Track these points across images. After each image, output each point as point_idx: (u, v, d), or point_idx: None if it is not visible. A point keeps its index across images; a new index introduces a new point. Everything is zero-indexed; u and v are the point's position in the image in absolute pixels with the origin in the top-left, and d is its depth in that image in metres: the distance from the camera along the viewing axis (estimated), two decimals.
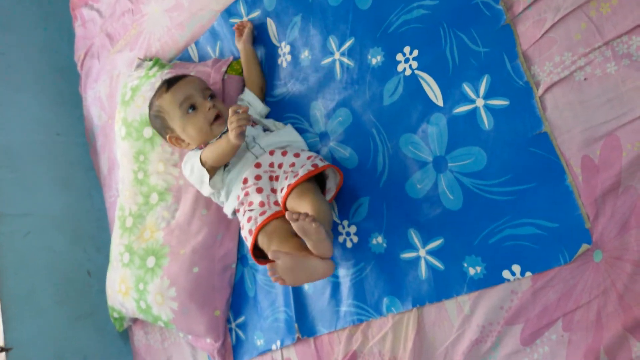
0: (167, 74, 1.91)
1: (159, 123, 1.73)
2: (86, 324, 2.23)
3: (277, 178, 1.53)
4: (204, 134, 1.65)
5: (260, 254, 1.51)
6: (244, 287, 1.79)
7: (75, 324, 2.21)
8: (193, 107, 1.65)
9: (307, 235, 1.29)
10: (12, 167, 2.28)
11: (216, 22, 1.93)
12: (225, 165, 1.62)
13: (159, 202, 1.92)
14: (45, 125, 2.47)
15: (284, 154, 1.55)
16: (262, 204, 1.51)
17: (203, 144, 1.66)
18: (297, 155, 1.54)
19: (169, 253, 1.83)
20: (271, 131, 1.66)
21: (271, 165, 1.55)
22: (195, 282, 1.78)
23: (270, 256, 1.31)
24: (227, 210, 1.65)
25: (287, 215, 1.27)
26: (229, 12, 1.89)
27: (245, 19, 1.84)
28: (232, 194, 1.61)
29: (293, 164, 1.51)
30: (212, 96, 1.69)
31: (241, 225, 1.55)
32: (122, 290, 1.95)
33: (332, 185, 1.54)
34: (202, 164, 1.58)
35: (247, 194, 1.54)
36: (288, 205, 1.44)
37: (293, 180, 1.43)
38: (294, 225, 1.28)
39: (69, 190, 2.42)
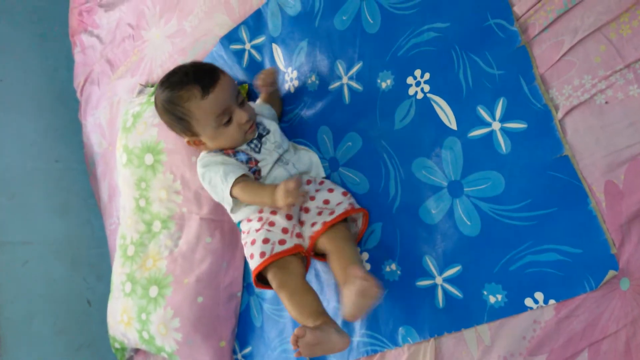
0: None
1: (181, 125, 1.54)
2: (86, 355, 2.20)
3: (306, 210, 1.49)
4: (236, 143, 1.53)
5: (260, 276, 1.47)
6: (250, 317, 1.75)
7: (75, 355, 2.18)
8: (229, 118, 1.50)
9: (363, 297, 1.24)
10: (10, 194, 2.25)
11: (215, 48, 1.91)
12: (256, 177, 1.53)
13: (162, 230, 1.88)
14: (44, 152, 2.46)
15: (318, 187, 1.53)
16: (285, 231, 1.46)
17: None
18: (331, 190, 1.51)
19: (172, 282, 1.79)
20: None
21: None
22: (199, 312, 1.74)
23: (296, 332, 1.23)
24: (236, 218, 1.58)
25: (359, 272, 1.23)
26: (230, 38, 1.87)
27: (247, 44, 1.82)
28: (253, 207, 1.53)
29: (327, 201, 1.48)
30: (243, 101, 1.53)
31: (250, 239, 1.47)
32: (124, 320, 1.90)
33: (355, 231, 1.52)
34: (230, 194, 1.49)
35: (273, 213, 1.48)
36: (319, 242, 1.42)
37: (329, 218, 1.42)
38: (356, 284, 1.23)
39: (68, 217, 2.40)
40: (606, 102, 1.14)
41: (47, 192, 2.39)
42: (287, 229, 1.46)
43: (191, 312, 1.74)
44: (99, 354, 2.21)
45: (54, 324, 2.16)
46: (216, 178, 1.50)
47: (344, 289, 1.27)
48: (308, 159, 1.59)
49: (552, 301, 1.16)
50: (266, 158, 1.52)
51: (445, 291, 1.33)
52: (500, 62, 1.29)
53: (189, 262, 1.79)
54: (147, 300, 1.82)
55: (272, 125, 1.59)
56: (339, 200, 1.48)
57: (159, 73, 2.12)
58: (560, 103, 1.20)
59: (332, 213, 1.45)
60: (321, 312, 1.34)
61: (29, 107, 2.48)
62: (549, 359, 1.16)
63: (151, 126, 1.86)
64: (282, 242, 1.44)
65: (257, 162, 1.51)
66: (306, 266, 1.48)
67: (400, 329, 1.39)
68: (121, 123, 2.02)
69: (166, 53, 2.09)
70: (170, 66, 2.05)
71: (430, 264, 1.36)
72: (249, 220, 1.53)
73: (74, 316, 2.24)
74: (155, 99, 1.56)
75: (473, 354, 1.27)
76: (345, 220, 1.49)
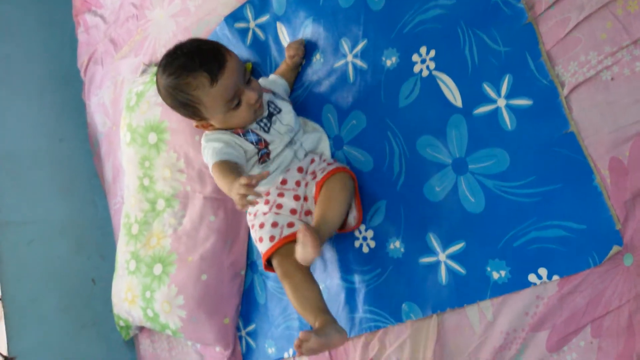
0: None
1: (188, 110, 1.49)
2: (91, 333, 2.20)
3: (306, 184, 1.51)
4: (245, 123, 1.49)
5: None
6: (254, 294, 1.76)
7: (80, 333, 2.18)
8: (239, 100, 1.45)
9: (304, 247, 1.29)
10: (15, 174, 2.25)
11: (218, 27, 1.90)
12: (262, 161, 1.51)
13: (166, 209, 1.88)
14: (48, 131, 2.45)
15: (323, 165, 1.53)
16: (293, 212, 1.48)
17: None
18: (330, 164, 1.53)
19: (176, 260, 1.80)
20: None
21: (307, 172, 1.53)
22: (203, 289, 1.75)
23: (301, 336, 1.26)
24: None
25: (301, 227, 1.29)
26: (235, 17, 1.86)
27: (252, 23, 1.81)
28: (261, 187, 1.52)
29: (323, 169, 1.51)
30: (249, 79, 1.47)
31: (258, 223, 1.50)
32: (128, 298, 1.92)
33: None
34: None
35: (281, 195, 1.49)
36: (321, 194, 1.45)
37: (323, 175, 1.46)
38: (299, 237, 1.30)
39: (72, 197, 2.40)
40: (612, 79, 1.14)
41: (51, 172, 2.38)
42: (296, 210, 1.48)
43: (195, 289, 1.74)
44: (104, 332, 2.21)
45: (58, 302, 2.17)
46: (207, 153, 1.48)
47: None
48: (317, 138, 1.59)
49: (555, 277, 1.17)
50: (275, 140, 1.51)
51: (448, 268, 1.33)
52: (507, 38, 1.29)
53: (192, 241, 1.80)
54: (152, 278, 1.83)
55: (285, 106, 1.57)
56: (334, 165, 1.50)
57: (162, 52, 2.11)
58: (566, 80, 1.20)
59: (323, 170, 1.48)
60: (322, 310, 1.37)
61: (32, 87, 2.47)
62: (551, 335, 1.17)
63: (154, 105, 1.87)
64: (290, 224, 1.46)
65: (267, 143, 1.50)
66: None
67: (403, 305, 1.39)
68: (125, 102, 2.03)
69: (170, 32, 2.09)
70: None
71: (434, 240, 1.36)
72: (255, 203, 1.51)
73: (79, 295, 2.24)
74: (157, 82, 1.50)
75: (475, 329, 1.28)
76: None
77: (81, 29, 2.56)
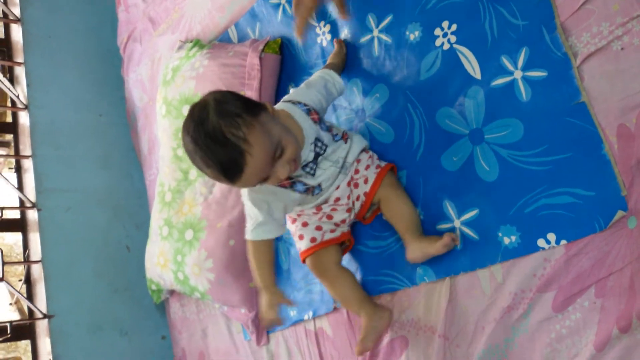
0: (206, 53, 1.95)
1: None
2: (123, 297, 2.30)
3: (351, 192, 1.53)
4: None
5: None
6: (278, 260, 1.83)
7: (113, 297, 2.28)
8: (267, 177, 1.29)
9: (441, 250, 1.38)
10: (56, 144, 2.36)
11: (256, 3, 1.96)
12: (313, 191, 1.47)
13: (198, 178, 1.96)
14: (88, 106, 2.55)
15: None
16: (343, 221, 1.54)
17: None
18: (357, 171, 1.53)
19: (206, 226, 1.87)
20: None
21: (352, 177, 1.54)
22: (231, 254, 1.83)
23: (357, 352, 1.45)
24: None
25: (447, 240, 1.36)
26: None
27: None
28: (309, 205, 1.53)
29: (357, 170, 1.52)
30: (282, 152, 1.26)
31: (302, 221, 1.54)
32: (160, 262, 2.00)
33: None
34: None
35: (334, 210, 1.52)
36: (378, 198, 1.50)
37: (367, 188, 1.50)
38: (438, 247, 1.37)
39: (109, 169, 2.49)
40: (622, 48, 1.17)
41: (90, 144, 2.48)
42: (345, 220, 1.54)
43: (223, 254, 1.83)
44: (136, 297, 2.31)
45: (94, 267, 2.27)
46: (246, 213, 1.48)
47: (416, 245, 1.42)
48: (358, 148, 1.54)
49: (563, 241, 1.21)
50: (323, 178, 1.47)
51: (462, 233, 1.38)
52: (525, 12, 1.32)
53: (222, 208, 1.88)
54: (183, 243, 1.91)
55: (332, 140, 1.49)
56: (367, 164, 1.52)
57: (198, 30, 2.18)
58: (579, 50, 1.23)
59: (366, 181, 1.51)
60: (361, 301, 1.49)
61: (75, 64, 2.56)
62: (557, 296, 1.21)
63: (189, 79, 1.94)
64: (332, 230, 1.54)
65: (314, 187, 1.47)
66: (350, 246, 1.59)
67: (418, 269, 1.45)
68: (162, 77, 2.10)
69: (205, 10, 2.15)
70: (208, 23, 2.12)
71: (450, 208, 1.41)
72: (301, 214, 1.57)
73: (113, 261, 2.33)
74: (183, 139, 1.30)
75: (486, 291, 1.33)
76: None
77: (121, 7, 2.64)
